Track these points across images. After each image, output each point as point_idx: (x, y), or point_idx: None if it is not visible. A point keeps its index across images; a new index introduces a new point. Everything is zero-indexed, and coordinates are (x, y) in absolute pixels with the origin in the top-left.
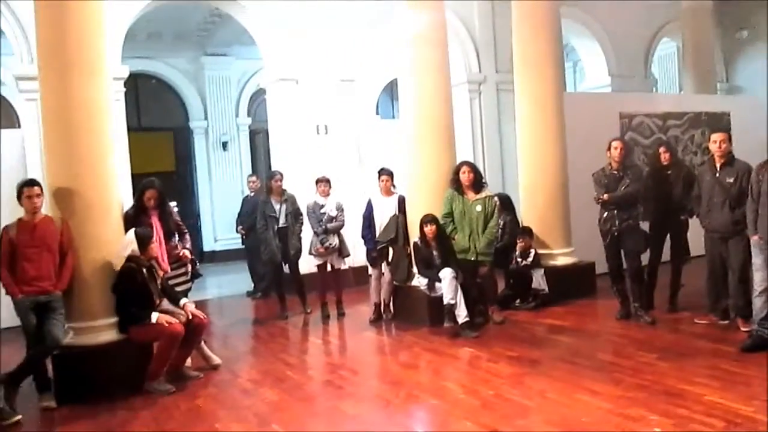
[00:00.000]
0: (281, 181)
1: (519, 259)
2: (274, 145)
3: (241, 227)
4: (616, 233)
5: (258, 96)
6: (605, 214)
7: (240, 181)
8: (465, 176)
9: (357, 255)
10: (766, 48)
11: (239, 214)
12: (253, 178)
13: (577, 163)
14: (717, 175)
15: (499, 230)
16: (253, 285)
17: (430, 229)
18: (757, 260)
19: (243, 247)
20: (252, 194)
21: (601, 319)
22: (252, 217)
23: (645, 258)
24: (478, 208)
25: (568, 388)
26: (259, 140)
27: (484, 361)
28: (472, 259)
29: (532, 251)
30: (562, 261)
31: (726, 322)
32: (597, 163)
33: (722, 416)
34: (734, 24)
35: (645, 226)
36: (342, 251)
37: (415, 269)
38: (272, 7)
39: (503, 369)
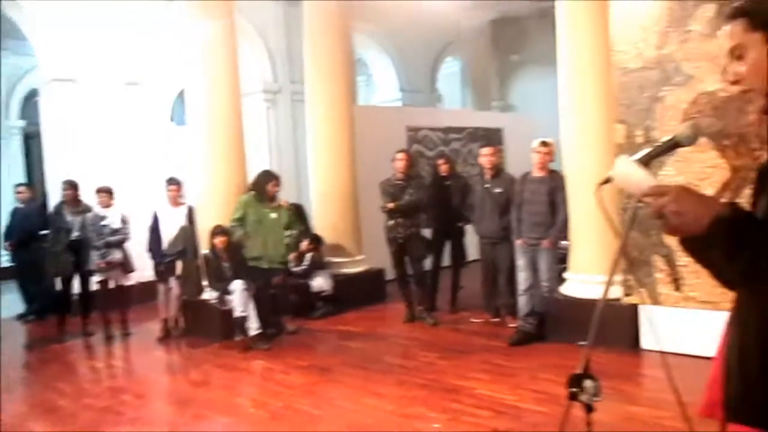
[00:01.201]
0: (76, 190)
1: (295, 264)
2: (48, 151)
3: (8, 242)
4: (401, 240)
5: (35, 96)
6: (391, 222)
7: (10, 190)
8: (275, 188)
9: (145, 269)
10: (537, 70)
11: (8, 228)
12: (22, 188)
13: (368, 173)
14: (487, 185)
15: (292, 241)
16: (25, 306)
17: (220, 241)
18: (520, 262)
19: (13, 264)
20: (22, 205)
21: (390, 323)
22: (24, 230)
23: (429, 263)
24: (273, 215)
25: (357, 393)
26: (35, 145)
27: (276, 372)
28: (265, 267)
29: (308, 255)
30: (353, 268)
31: (498, 319)
32: (386, 174)
33: (490, 407)
34: (508, 48)
35: (428, 233)
36: (126, 266)
37: (205, 282)
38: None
39: (295, 379)
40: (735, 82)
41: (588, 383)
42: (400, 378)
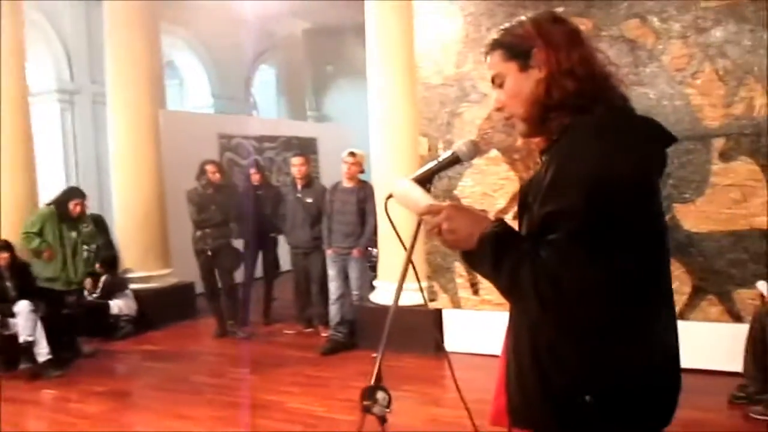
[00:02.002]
0: None
1: (89, 292)
2: None
3: None
4: (210, 252)
5: None
6: (198, 233)
7: None
8: (77, 207)
9: None
10: (351, 81)
11: None
12: None
13: (176, 182)
14: (298, 195)
15: (91, 255)
16: None
17: (2, 257)
18: (331, 271)
19: None
20: None
21: (200, 339)
22: None
23: (240, 275)
24: (74, 235)
25: (160, 417)
26: None
27: (70, 402)
28: (61, 288)
29: (102, 279)
30: (159, 283)
31: (310, 329)
32: (195, 183)
33: (301, 420)
34: (323, 58)
35: (239, 243)
36: None
37: None
38: None
39: (90, 408)
40: (499, 109)
41: (380, 395)
42: (208, 397)
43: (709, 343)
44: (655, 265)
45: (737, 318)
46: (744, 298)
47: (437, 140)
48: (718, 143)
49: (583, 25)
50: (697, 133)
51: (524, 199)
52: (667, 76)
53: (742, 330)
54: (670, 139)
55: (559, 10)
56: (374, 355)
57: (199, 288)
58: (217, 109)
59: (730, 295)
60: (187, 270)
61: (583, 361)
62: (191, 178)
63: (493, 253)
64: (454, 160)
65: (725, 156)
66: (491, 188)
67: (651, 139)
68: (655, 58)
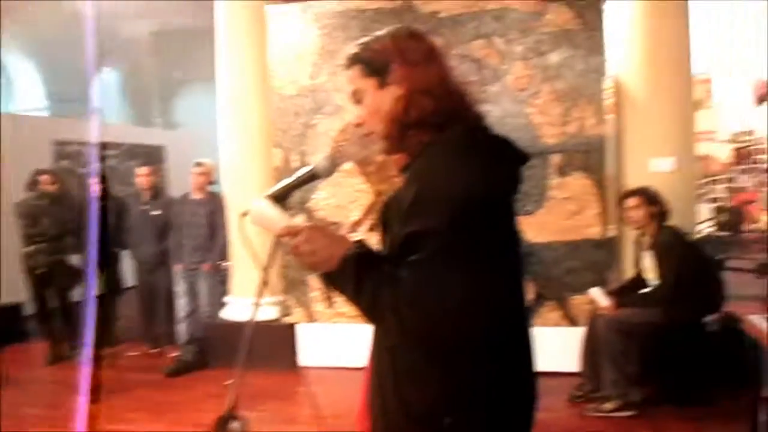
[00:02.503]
0: None
1: None
2: None
3: None
4: (42, 270)
5: None
6: (30, 249)
7: None
8: None
9: None
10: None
11: None
12: None
13: (4, 192)
14: (144, 207)
15: None
16: None
17: None
18: (180, 288)
19: None
20: None
21: (31, 366)
22: None
23: (78, 293)
24: None
25: None
26: None
27: None
28: None
29: None
30: None
31: (157, 350)
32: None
33: None
34: (171, 62)
35: (76, 259)
36: None
37: None
38: None
39: None
40: (358, 125)
41: (234, 425)
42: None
43: (550, 347)
44: (513, 282)
45: (573, 322)
46: (580, 302)
47: (291, 152)
48: (556, 159)
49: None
50: (537, 149)
51: (385, 218)
52: (511, 95)
53: (579, 333)
54: (524, 158)
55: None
56: (227, 382)
57: (30, 309)
58: (52, 113)
59: (567, 300)
60: (14, 289)
61: (444, 383)
62: (20, 189)
63: (353, 274)
64: (313, 176)
65: (562, 171)
66: (346, 200)
67: (507, 159)
68: (499, 77)
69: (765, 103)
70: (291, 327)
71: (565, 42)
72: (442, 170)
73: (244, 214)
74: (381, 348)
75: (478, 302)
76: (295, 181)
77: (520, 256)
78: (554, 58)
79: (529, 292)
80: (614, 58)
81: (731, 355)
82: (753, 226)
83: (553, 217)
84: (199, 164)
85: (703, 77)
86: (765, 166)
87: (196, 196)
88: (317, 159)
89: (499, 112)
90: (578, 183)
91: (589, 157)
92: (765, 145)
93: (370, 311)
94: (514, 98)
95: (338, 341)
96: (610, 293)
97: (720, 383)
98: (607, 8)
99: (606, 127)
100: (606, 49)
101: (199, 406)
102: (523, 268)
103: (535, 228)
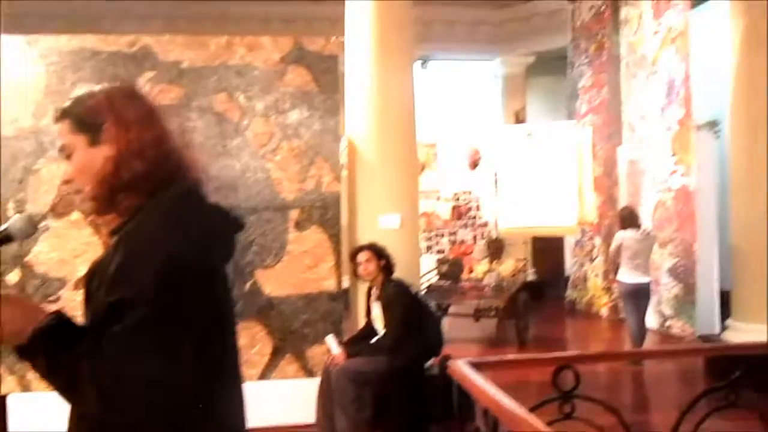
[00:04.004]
0: None
1: None
2: None
3: None
4: None
5: None
6: None
7: None
8: None
9: None
10: None
11: None
12: None
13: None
14: None
15: None
16: None
17: None
18: None
19: None
20: None
21: None
22: None
23: None
24: None
25: None
26: None
27: None
28: None
29: None
30: None
31: None
32: None
33: None
34: None
35: None
36: None
37: None
38: None
39: None
40: (67, 182)
41: None
42: None
43: (291, 400)
44: (219, 351)
45: (310, 373)
46: (317, 354)
47: (8, 199)
48: (294, 214)
49: (173, 93)
50: (276, 204)
51: (89, 285)
52: (251, 150)
53: (316, 384)
54: (237, 226)
55: (151, 74)
56: None
57: None
58: None
59: (305, 352)
60: None
61: None
62: None
63: (47, 350)
64: (7, 238)
65: (299, 225)
66: (71, 254)
67: (219, 227)
68: (240, 132)
69: (477, 168)
70: (2, 399)
71: (304, 102)
72: (150, 237)
73: None
74: (80, 425)
75: (182, 372)
76: None
77: (231, 322)
78: (294, 116)
79: (268, 345)
80: (349, 120)
81: (446, 395)
82: (471, 276)
83: (292, 270)
84: None
85: (430, 142)
86: (479, 221)
87: None
88: (12, 220)
89: (240, 166)
90: (315, 237)
91: (325, 213)
92: (478, 203)
93: (66, 390)
94: (254, 153)
95: (55, 409)
96: (344, 343)
97: (438, 420)
98: (346, 72)
99: (341, 185)
100: (342, 110)
101: None
102: (234, 334)
103: (274, 281)
